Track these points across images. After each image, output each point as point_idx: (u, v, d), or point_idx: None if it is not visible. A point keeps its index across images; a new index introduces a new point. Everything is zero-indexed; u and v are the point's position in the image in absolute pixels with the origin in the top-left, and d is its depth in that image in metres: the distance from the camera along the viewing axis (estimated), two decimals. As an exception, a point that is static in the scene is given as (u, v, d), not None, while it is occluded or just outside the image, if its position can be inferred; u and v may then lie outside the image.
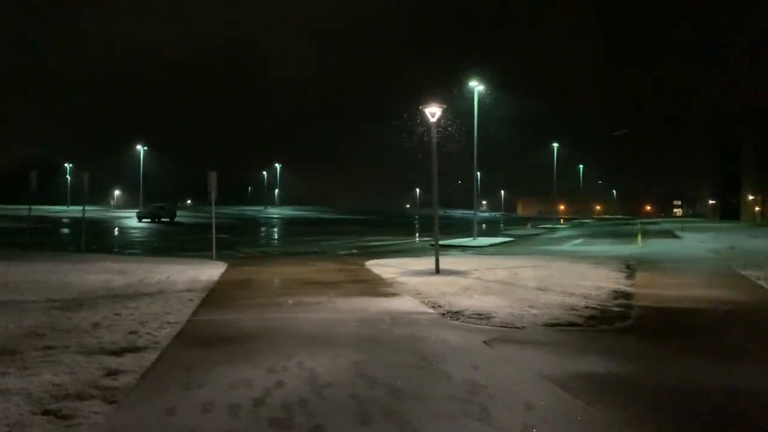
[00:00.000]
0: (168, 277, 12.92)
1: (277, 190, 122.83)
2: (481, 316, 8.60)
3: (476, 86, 35.10)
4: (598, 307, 9.63)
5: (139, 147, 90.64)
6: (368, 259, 18.22)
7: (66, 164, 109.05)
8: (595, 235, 44.01)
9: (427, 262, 16.51)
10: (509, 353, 6.57)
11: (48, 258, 16.88)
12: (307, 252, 23.11)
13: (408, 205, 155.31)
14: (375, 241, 32.00)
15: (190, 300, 9.88)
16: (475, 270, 14.59)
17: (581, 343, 7.17)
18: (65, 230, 40.10)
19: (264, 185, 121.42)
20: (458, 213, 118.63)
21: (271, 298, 10.14)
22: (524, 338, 7.38)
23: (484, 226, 58.84)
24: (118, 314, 8.55)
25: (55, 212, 69.55)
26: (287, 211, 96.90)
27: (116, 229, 42.75)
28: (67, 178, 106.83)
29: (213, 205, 17.69)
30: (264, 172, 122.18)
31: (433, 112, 13.61)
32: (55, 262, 15.55)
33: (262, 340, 7.02)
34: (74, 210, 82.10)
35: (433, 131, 13.75)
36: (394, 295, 10.73)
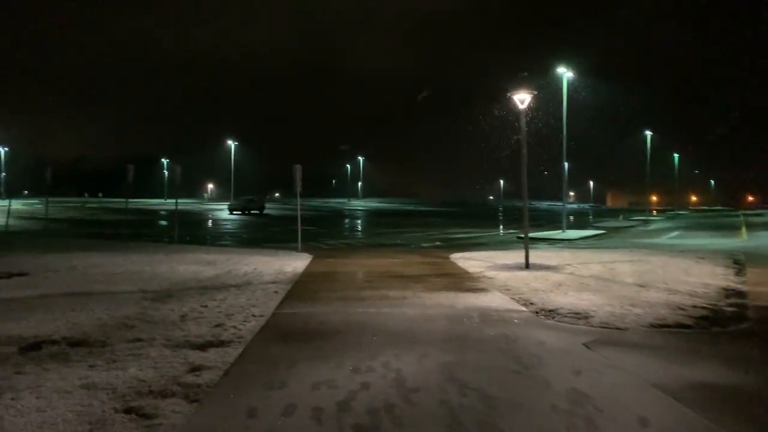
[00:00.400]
0: (255, 268, 13.01)
1: (360, 183, 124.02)
2: (579, 316, 7.99)
3: (565, 73, 33.65)
4: (708, 306, 8.76)
5: (230, 142, 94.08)
6: (453, 252, 17.76)
7: (163, 159, 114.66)
8: (693, 227, 41.39)
9: (515, 256, 15.86)
10: (613, 357, 5.97)
11: (143, 249, 17.52)
12: (391, 244, 22.92)
13: (491, 197, 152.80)
14: (459, 234, 31.41)
15: (276, 292, 9.81)
16: (568, 265, 13.82)
17: (693, 347, 6.46)
18: (162, 222, 41.97)
19: (347, 178, 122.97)
20: (544, 204, 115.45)
21: (356, 291, 9.92)
22: (628, 341, 6.74)
23: (572, 218, 56.80)
24: (205, 306, 8.57)
25: (153, 205, 73.19)
26: (370, 203, 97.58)
27: (208, 221, 44.36)
28: (164, 173, 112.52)
29: (298, 197, 17.78)
30: (347, 165, 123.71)
31: (522, 98, 12.95)
32: (150, 254, 16.08)
33: (347, 336, 6.76)
34: (171, 203, 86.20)
35: (522, 119, 13.08)
36: (482, 290, 10.25)
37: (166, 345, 6.35)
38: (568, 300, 9.12)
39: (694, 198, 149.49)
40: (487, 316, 7.97)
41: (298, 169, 17.16)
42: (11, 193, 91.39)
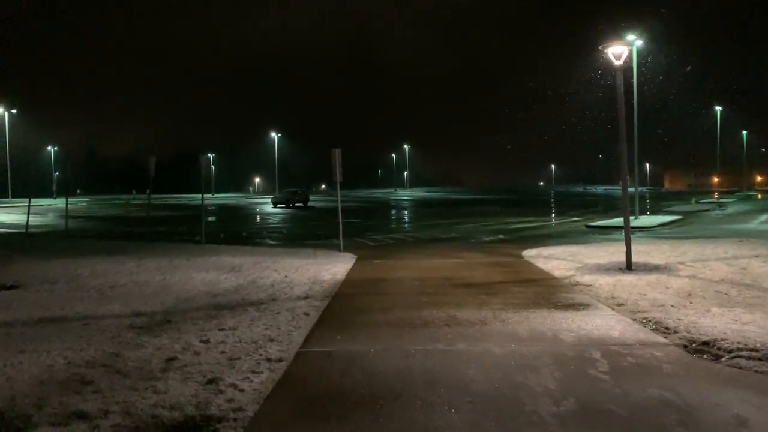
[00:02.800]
0: (285, 276, 10.57)
1: (406, 172, 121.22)
2: (759, 353, 5.21)
3: (634, 40, 30.09)
4: None
5: (273, 134, 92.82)
6: (523, 248, 14.97)
7: (209, 154, 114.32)
8: (778, 210, 37.29)
9: (604, 252, 12.98)
10: None
11: (164, 251, 15.36)
12: (445, 238, 20.22)
13: (542, 183, 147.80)
14: (518, 224, 28.45)
15: (306, 314, 7.32)
16: (679, 263, 10.89)
17: None
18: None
19: (393, 167, 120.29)
20: (600, 189, 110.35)
21: (413, 311, 7.34)
22: None
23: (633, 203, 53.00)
24: (205, 341, 6.14)
25: (197, 200, 72.37)
26: (417, 193, 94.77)
27: (249, 215, 42.55)
28: (211, 167, 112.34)
29: (338, 186, 15.25)
30: (393, 154, 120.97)
31: (618, 52, 10.08)
32: (170, 257, 13.89)
33: (408, 405, 4.20)
34: (218, 197, 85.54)
35: (619, 78, 10.22)
36: (584, 306, 7.52)
37: (118, 430, 3.92)
38: (720, 323, 6.31)
39: (759, 178, 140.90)
40: (615, 356, 5.27)
41: (337, 153, 14.66)
42: (63, 191, 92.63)
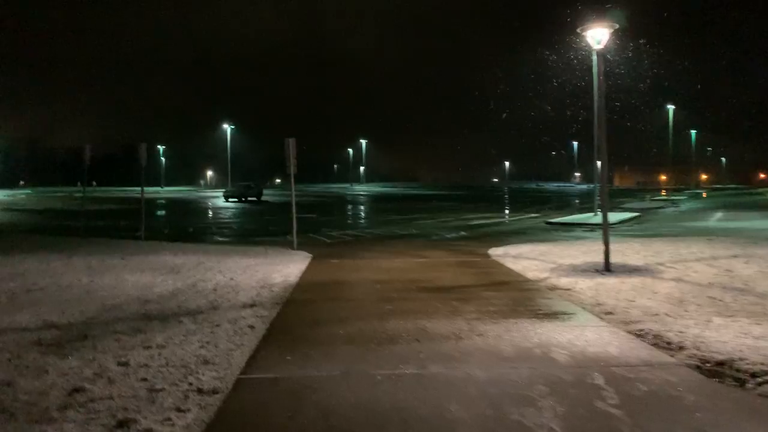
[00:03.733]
0: (231, 279, 9.42)
1: (362, 167, 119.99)
2: (786, 378, 4.41)
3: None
4: None
5: (226, 126, 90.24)
6: (488, 246, 14.15)
7: (159, 146, 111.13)
8: (728, 207, 37.80)
9: (575, 251, 12.25)
10: None
11: (99, 249, 13.94)
12: (405, 235, 19.30)
13: (495, 179, 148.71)
14: (477, 220, 27.81)
15: (251, 327, 6.23)
16: (658, 264, 10.20)
17: None
18: (155, 212, 38.35)
19: (350, 162, 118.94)
20: (552, 186, 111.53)
21: (376, 322, 6.35)
22: None
23: (585, 200, 53.37)
24: (124, 363, 5.01)
25: (148, 193, 69.74)
26: (373, 188, 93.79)
27: (199, 210, 40.81)
28: (161, 159, 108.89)
29: (293, 178, 14.07)
30: (349, 149, 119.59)
31: (598, 36, 9.29)
32: (104, 255, 12.53)
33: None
34: (168, 190, 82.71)
35: (599, 64, 9.47)
36: (569, 315, 6.67)
37: None
38: (728, 337, 5.52)
39: (704, 176, 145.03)
40: (622, 382, 4.39)
41: (291, 143, 13.50)
42: (5, 183, 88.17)
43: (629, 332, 5.87)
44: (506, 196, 65.24)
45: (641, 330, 5.89)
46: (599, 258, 10.49)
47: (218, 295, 8.10)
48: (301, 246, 14.36)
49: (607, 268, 9.45)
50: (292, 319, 6.67)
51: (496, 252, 12.68)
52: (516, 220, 28.18)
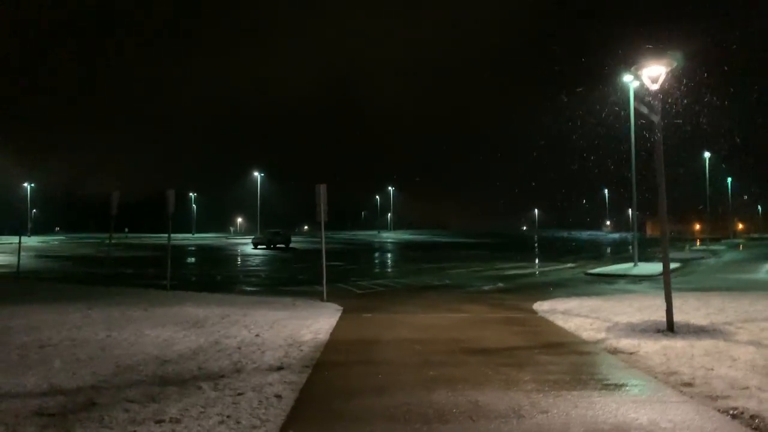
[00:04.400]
0: (257, 335, 8.71)
1: (390, 214, 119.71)
2: None
3: (631, 81, 29.19)
4: None
5: (255, 173, 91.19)
6: (530, 300, 13.25)
7: (190, 194, 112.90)
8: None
9: (629, 308, 11.29)
10: None
11: (122, 298, 13.41)
12: (439, 286, 18.45)
13: (525, 227, 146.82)
14: (511, 270, 26.83)
15: (278, 397, 5.48)
16: (725, 323, 9.20)
17: None
18: (186, 260, 38.14)
19: (377, 209, 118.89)
20: (584, 234, 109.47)
21: (420, 393, 5.54)
22: None
23: (620, 249, 51.87)
24: (131, 443, 4.29)
25: (178, 240, 70.37)
26: (401, 235, 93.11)
27: (227, 257, 40.49)
28: (192, 207, 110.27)
29: (323, 225, 13.47)
30: (377, 197, 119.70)
31: (654, 75, 8.61)
32: (125, 307, 11.97)
33: None
34: (198, 237, 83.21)
35: (657, 104, 8.71)
36: (640, 387, 5.78)
37: None
38: None
39: (741, 226, 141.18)
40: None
41: (321, 189, 12.96)
42: (41, 230, 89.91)
43: (720, 411, 4.97)
44: (537, 244, 63.90)
45: (735, 409, 4.99)
46: (657, 316, 9.57)
47: (243, 354, 7.39)
48: (331, 296, 13.65)
49: (671, 327, 8.50)
50: (323, 387, 5.90)
51: (541, 307, 11.78)
52: (552, 270, 27.10)
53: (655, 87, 8.63)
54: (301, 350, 7.60)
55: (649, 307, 10.70)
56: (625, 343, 7.82)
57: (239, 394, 5.55)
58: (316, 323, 9.74)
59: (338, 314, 10.96)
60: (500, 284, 18.62)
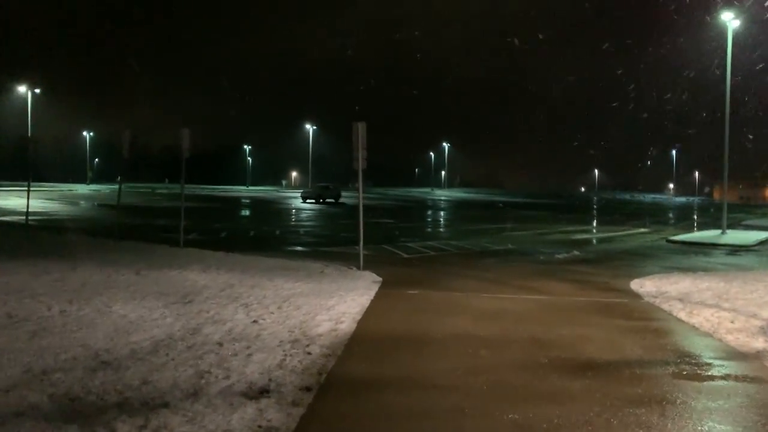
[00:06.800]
0: (255, 320, 6.25)
1: (444, 172, 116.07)
2: None
3: (730, 20, 24.97)
4: None
5: (308, 126, 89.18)
6: (622, 275, 10.41)
7: (245, 146, 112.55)
8: None
9: (764, 290, 8.32)
10: None
11: (122, 256, 11.25)
12: (501, 251, 15.66)
13: (583, 188, 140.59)
14: (579, 233, 23.73)
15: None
16: None
17: None
18: (218, 212, 36.50)
19: (431, 166, 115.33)
20: (648, 198, 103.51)
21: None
22: None
23: (695, 214, 47.58)
24: None
25: (231, 192, 69.75)
26: (456, 193, 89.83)
27: (272, 211, 38.60)
28: (248, 160, 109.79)
29: (360, 173, 10.81)
30: (431, 153, 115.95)
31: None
32: (119, 266, 9.79)
33: None
34: (252, 190, 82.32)
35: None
36: None
37: None
38: None
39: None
40: None
41: (360, 128, 10.31)
42: (105, 178, 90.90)
43: None
44: (600, 207, 59.75)
45: None
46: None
47: (220, 357, 4.93)
48: (371, 262, 11.14)
49: None
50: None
51: (643, 287, 8.92)
52: (626, 235, 23.79)
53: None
54: (309, 353, 5.09)
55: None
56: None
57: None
58: (342, 303, 7.22)
59: (375, 288, 8.41)
60: (575, 252, 15.66)
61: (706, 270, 11.86)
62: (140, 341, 5.40)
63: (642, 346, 5.55)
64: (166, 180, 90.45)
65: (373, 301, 7.46)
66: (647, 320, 6.80)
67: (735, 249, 18.24)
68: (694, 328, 6.36)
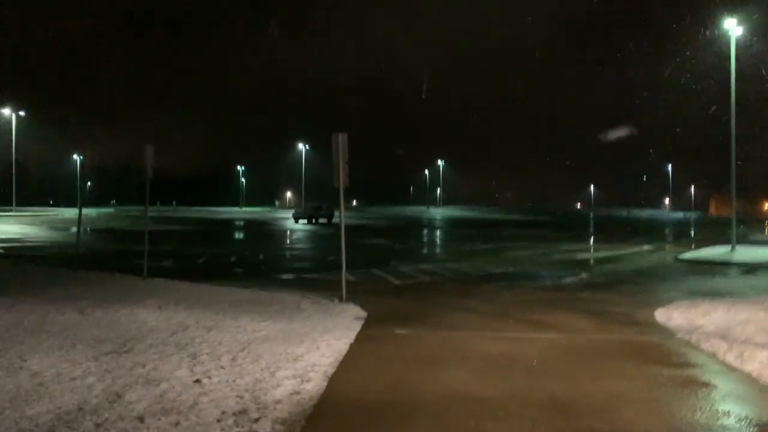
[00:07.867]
0: (198, 380, 4.95)
1: (439, 189, 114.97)
2: None
3: (732, 29, 24.04)
4: None
5: (300, 146, 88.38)
6: (641, 303, 9.14)
7: (238, 167, 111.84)
8: None
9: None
10: None
11: (70, 291, 9.91)
12: (502, 275, 14.36)
13: (579, 205, 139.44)
14: (583, 252, 22.57)
15: None
16: None
17: None
18: (204, 234, 35.21)
19: (426, 184, 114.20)
20: (644, 213, 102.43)
21: None
22: None
23: (692, 230, 46.51)
24: None
25: (222, 213, 68.50)
26: (451, 212, 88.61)
27: (260, 233, 37.28)
28: (242, 180, 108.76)
29: (341, 190, 9.55)
30: (426, 171, 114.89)
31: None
32: (64, 301, 8.48)
33: None
34: (244, 211, 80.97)
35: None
36: None
37: None
38: None
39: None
40: None
41: (340, 139, 9.06)
42: (98, 202, 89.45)
43: None
44: (598, 223, 58.59)
45: None
46: None
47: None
48: (357, 291, 9.87)
49: None
50: None
51: (672, 321, 7.62)
52: (631, 254, 22.57)
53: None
54: (255, 433, 3.78)
55: None
56: None
57: None
58: (313, 350, 5.90)
59: (357, 328, 7.10)
60: (582, 274, 14.38)
61: (731, 294, 10.61)
62: (38, 416, 4.09)
63: (695, 409, 4.26)
64: (157, 203, 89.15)
65: (352, 346, 6.15)
66: (690, 367, 5.51)
67: (751, 268, 17.03)
68: (752, 378, 5.08)
